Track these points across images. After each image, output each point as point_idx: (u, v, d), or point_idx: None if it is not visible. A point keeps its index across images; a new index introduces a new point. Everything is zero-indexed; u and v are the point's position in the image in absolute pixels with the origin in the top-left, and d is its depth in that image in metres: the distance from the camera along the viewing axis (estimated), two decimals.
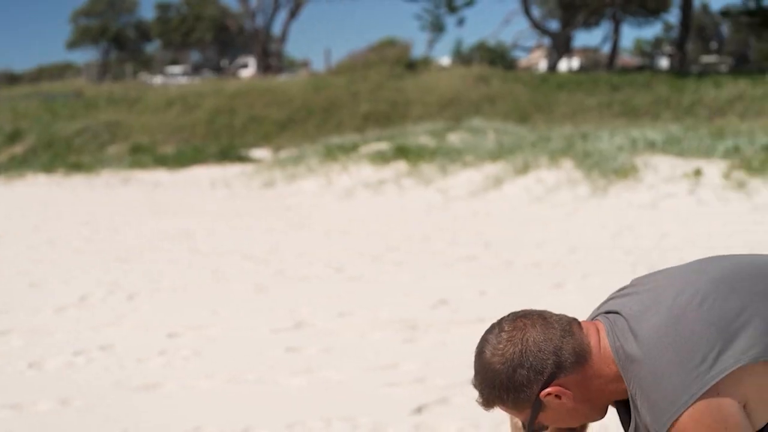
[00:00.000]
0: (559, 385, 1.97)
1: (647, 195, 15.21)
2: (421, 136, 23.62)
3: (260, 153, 29.17)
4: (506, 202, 16.26)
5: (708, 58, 45.50)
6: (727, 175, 15.39)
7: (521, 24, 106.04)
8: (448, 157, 19.72)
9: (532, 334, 1.98)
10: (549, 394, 1.98)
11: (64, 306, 8.34)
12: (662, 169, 16.04)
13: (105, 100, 37.75)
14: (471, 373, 2.11)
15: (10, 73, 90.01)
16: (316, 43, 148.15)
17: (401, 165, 20.29)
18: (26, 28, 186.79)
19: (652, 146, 17.90)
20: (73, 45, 77.39)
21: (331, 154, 22.44)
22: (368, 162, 21.13)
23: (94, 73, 48.26)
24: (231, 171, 25.91)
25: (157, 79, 49.06)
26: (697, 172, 15.52)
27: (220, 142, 30.46)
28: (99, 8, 75.80)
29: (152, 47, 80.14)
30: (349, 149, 22.83)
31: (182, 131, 32.42)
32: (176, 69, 55.69)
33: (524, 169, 17.83)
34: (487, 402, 2.07)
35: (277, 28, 59.39)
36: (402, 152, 20.98)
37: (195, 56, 75.54)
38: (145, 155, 29.81)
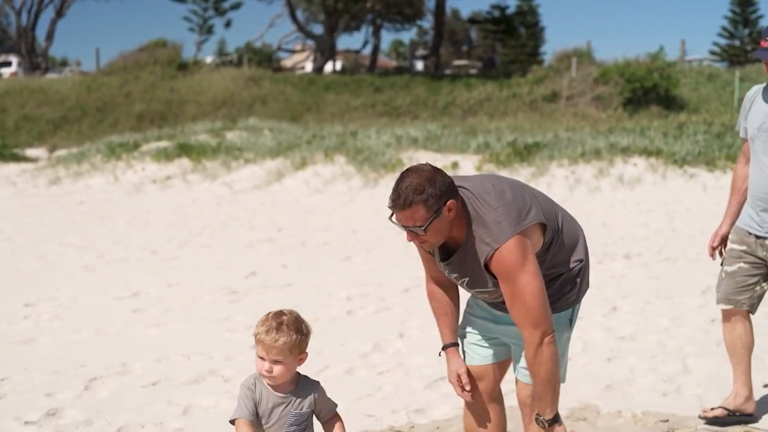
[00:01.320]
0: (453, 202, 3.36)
1: None
2: (200, 134, 24.89)
3: (35, 152, 29.29)
4: (289, 194, 17.97)
5: (460, 62, 49.02)
6: (479, 168, 17.83)
7: (286, 27, 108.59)
8: (230, 154, 21.20)
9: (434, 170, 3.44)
10: (448, 206, 3.32)
11: None
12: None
13: None
14: None
15: None
16: (85, 43, 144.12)
17: (185, 162, 21.56)
18: None
19: (414, 143, 20.18)
20: None
21: (113, 152, 23.31)
22: (152, 159, 22.22)
23: None
24: (9, 169, 26.10)
25: None
26: (455, 165, 17.86)
27: None
28: None
29: None
30: (131, 147, 23.77)
31: None
32: None
33: (302, 165, 19.62)
34: (406, 204, 3.29)
35: (42, 27, 58.36)
36: (184, 150, 22.23)
37: None
38: None
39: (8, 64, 49.77)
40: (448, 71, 42.49)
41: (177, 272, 10.15)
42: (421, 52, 55.59)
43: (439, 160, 18.32)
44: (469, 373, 3.88)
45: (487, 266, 3.47)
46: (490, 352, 3.92)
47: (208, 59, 42.66)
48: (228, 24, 46.70)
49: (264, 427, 3.37)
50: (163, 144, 23.62)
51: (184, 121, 29.66)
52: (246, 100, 32.21)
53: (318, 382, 3.50)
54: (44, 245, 12.28)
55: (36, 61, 43.56)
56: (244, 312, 8.03)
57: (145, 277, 9.86)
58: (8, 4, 43.90)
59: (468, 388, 3.86)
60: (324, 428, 3.51)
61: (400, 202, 3.33)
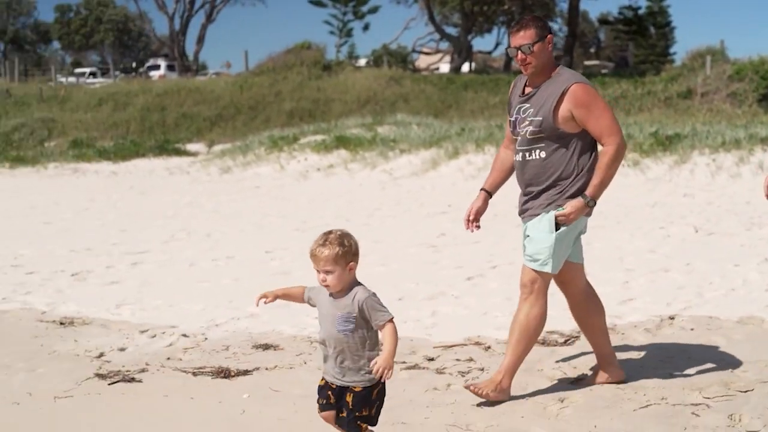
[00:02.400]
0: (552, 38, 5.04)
1: None
2: (352, 129, 26.78)
3: (194, 147, 31.72)
4: (445, 179, 19.61)
5: (590, 62, 50.02)
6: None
7: (420, 30, 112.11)
8: (386, 145, 22.99)
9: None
10: (549, 39, 4.96)
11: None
12: None
13: (35, 98, 39.59)
14: None
15: None
16: (232, 46, 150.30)
17: (343, 152, 23.46)
18: None
19: None
20: None
21: (276, 144, 25.43)
22: (312, 151, 24.22)
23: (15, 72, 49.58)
24: (172, 162, 28.57)
25: (71, 80, 50.65)
26: None
27: (154, 137, 32.83)
28: None
29: (50, 49, 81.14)
30: (291, 140, 25.84)
31: (117, 127, 34.65)
32: (85, 70, 57.24)
33: (455, 154, 21.25)
34: (522, 26, 4.92)
35: (193, 32, 61.51)
36: (341, 141, 24.15)
37: (94, 58, 76.75)
38: (86, 149, 31.97)
39: (157, 67, 53.04)
40: (579, 71, 43.47)
41: (378, 232, 11.90)
42: None
43: None
44: (477, 212, 5.40)
45: (563, 94, 4.88)
46: None
47: (362, 61, 44.80)
48: (366, 27, 48.92)
49: (320, 324, 4.02)
50: (319, 137, 25.57)
51: (331, 118, 31.56)
52: (389, 98, 34.02)
53: (371, 292, 3.94)
54: (249, 217, 14.22)
55: (187, 63, 46.41)
56: (447, 259, 9.70)
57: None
58: (162, 10, 46.95)
59: (471, 219, 5.42)
60: (380, 336, 3.96)
61: (519, 24, 5.00)
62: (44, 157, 31.85)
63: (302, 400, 5.03)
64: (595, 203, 5.00)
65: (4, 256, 10.24)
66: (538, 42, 4.93)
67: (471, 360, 5.95)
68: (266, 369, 5.77)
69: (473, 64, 46.65)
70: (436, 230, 11.96)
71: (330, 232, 3.93)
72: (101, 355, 6.14)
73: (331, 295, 3.93)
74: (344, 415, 3.96)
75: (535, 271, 5.06)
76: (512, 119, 5.19)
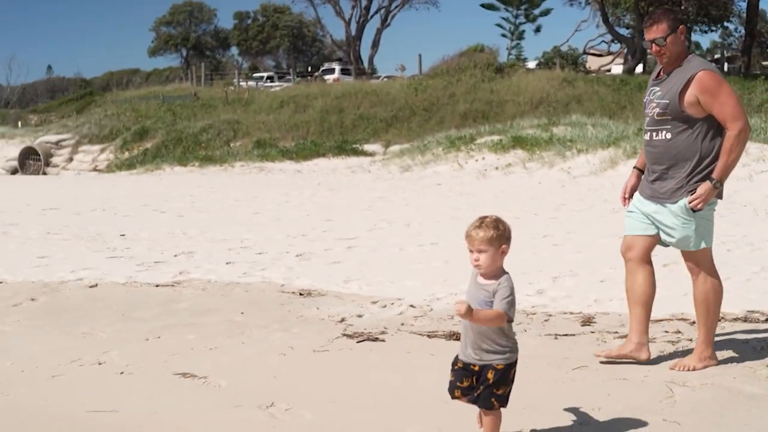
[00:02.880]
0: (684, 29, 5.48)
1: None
2: (526, 129, 27.29)
3: (371, 147, 32.91)
4: (625, 178, 19.85)
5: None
6: None
7: (590, 32, 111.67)
8: (563, 144, 23.42)
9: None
10: (681, 30, 5.39)
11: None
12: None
13: (220, 101, 41.83)
14: None
15: (82, 79, 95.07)
16: (405, 50, 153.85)
17: (519, 152, 24.03)
18: (99, 38, 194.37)
19: None
20: (155, 52, 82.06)
21: (453, 144, 26.24)
22: (489, 150, 24.90)
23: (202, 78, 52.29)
24: (351, 161, 29.80)
25: (250, 84, 52.91)
26: None
27: (333, 137, 34.21)
28: (180, 18, 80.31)
29: (227, 54, 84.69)
30: (468, 140, 26.60)
31: (297, 128, 36.26)
32: (263, 74, 59.70)
33: (633, 153, 21.47)
34: (655, 21, 5.39)
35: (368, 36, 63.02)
36: (518, 141, 24.73)
37: (269, 63, 79.64)
38: (270, 149, 33.66)
39: (332, 71, 54.83)
40: (756, 71, 42.55)
41: (568, 225, 12.48)
42: (722, 54, 55.33)
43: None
44: (631, 189, 5.85)
45: (690, 80, 5.33)
46: (643, 227, 5.70)
47: (531, 64, 45.24)
48: (538, 29, 49.22)
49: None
50: (496, 137, 26.22)
51: (503, 119, 32.08)
52: (562, 100, 34.28)
53: (510, 284, 4.03)
54: (439, 209, 15.05)
55: (361, 67, 47.86)
56: None
57: (546, 227, 12.28)
58: (339, 16, 48.57)
59: (626, 196, 5.87)
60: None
61: (652, 18, 5.50)
62: (231, 156, 33.73)
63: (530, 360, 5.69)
64: (722, 185, 5.38)
65: (232, 239, 11.43)
66: (670, 34, 5.44)
67: (679, 332, 6.49)
68: None
69: (646, 66, 46.22)
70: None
71: (486, 217, 4.10)
72: (343, 320, 6.98)
73: (479, 277, 4.09)
74: (480, 391, 4.06)
75: (695, 252, 5.53)
76: (645, 100, 5.71)
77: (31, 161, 39.59)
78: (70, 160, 39.69)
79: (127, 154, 37.81)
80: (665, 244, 5.72)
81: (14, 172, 39.46)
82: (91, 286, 8.25)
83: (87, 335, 6.48)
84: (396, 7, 46.90)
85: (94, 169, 37.75)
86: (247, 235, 11.89)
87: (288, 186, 22.06)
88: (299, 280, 8.59)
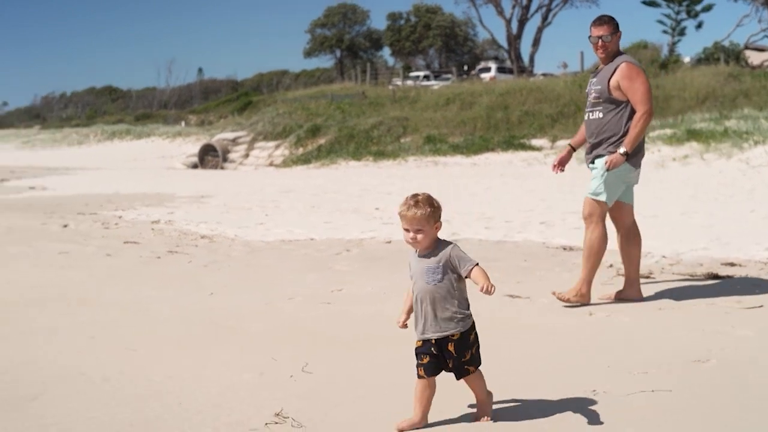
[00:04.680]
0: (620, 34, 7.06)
1: None
2: (698, 123, 28.00)
3: (538, 142, 34.08)
4: None
5: None
6: None
7: (752, 27, 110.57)
8: (739, 136, 24.15)
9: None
10: (619, 34, 7.00)
11: None
12: None
13: (387, 99, 43.76)
14: None
15: (234, 81, 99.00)
16: (565, 47, 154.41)
17: (695, 144, 24.87)
18: (249, 41, 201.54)
19: None
20: (310, 53, 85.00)
21: None
22: (663, 143, 25.79)
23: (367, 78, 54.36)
24: (523, 155, 31.07)
25: (408, 83, 54.72)
26: None
27: (500, 133, 35.53)
28: (334, 20, 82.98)
29: (377, 55, 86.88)
30: None
31: (464, 125, 37.75)
32: (419, 74, 61.50)
33: None
34: (602, 21, 6.98)
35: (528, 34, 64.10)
36: (692, 134, 25.56)
37: (420, 62, 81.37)
38: (440, 144, 35.24)
39: (488, 69, 56.17)
40: None
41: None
42: None
43: None
44: (561, 161, 7.34)
45: (615, 71, 6.77)
46: None
47: (686, 59, 45.51)
48: (699, 25, 49.26)
49: (412, 282, 4.25)
50: (668, 131, 27.07)
51: (670, 114, 32.72)
52: (729, 95, 34.67)
53: (452, 243, 4.20)
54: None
55: (521, 65, 48.99)
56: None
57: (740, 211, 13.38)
58: (500, 15, 49.83)
59: (556, 164, 7.33)
60: (473, 281, 4.12)
61: (600, 20, 7.00)
62: (402, 151, 35.47)
63: None
64: (628, 154, 6.73)
65: (476, 212, 13.10)
66: (613, 35, 6.93)
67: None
68: None
69: None
70: None
71: (417, 195, 4.17)
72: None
73: (419, 255, 4.22)
74: (450, 364, 4.18)
75: (594, 201, 6.94)
76: (587, 90, 7.27)
77: (209, 157, 42.28)
78: (246, 156, 42.10)
79: (301, 150, 39.94)
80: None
81: (194, 167, 42.21)
82: (386, 242, 9.98)
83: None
84: (557, 5, 48.00)
85: (270, 164, 39.97)
86: (486, 210, 13.61)
87: (466, 176, 23.55)
88: (556, 240, 10.11)
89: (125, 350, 5.77)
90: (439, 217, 4.16)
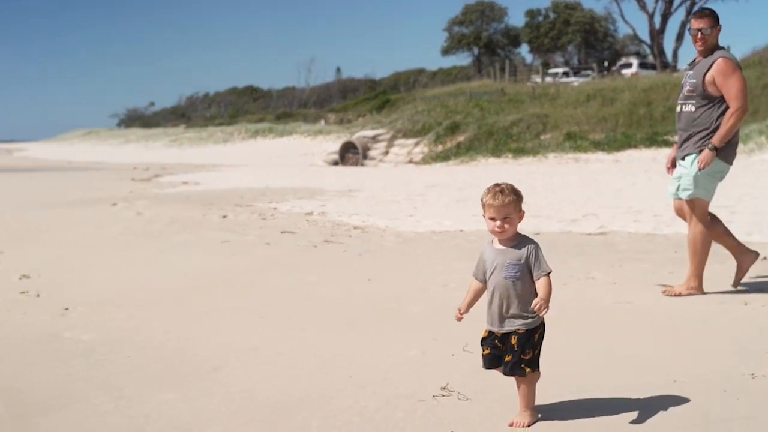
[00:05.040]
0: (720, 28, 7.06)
1: None
2: None
3: None
4: None
5: None
6: None
7: None
8: None
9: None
10: (719, 27, 6.99)
11: None
12: None
13: (526, 96, 43.63)
14: None
15: (371, 80, 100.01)
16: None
17: None
18: (386, 40, 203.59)
19: None
20: (447, 51, 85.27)
21: None
22: None
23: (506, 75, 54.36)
24: (664, 152, 30.48)
25: (547, 79, 54.33)
26: None
27: (642, 129, 34.94)
28: (472, 17, 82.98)
29: (514, 52, 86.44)
30: None
31: (605, 121, 37.28)
32: (558, 70, 60.97)
33: None
34: (703, 15, 7.02)
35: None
36: None
37: (558, 59, 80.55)
38: (580, 141, 34.94)
39: (629, 65, 55.20)
40: None
41: None
42: None
43: None
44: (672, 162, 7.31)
45: (711, 66, 6.78)
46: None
47: None
48: None
49: (487, 276, 4.21)
50: None
51: None
52: None
53: (535, 242, 4.17)
54: None
55: (664, 60, 48.01)
56: None
57: None
58: (643, 10, 48.96)
59: (669, 166, 7.29)
60: (536, 285, 4.11)
61: (701, 12, 7.08)
62: (542, 148, 35.33)
63: None
64: (717, 149, 6.75)
65: (620, 206, 13.12)
66: (713, 28, 6.93)
67: None
68: None
69: None
70: None
71: (499, 184, 4.17)
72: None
73: (497, 243, 4.20)
74: (509, 359, 4.15)
75: (689, 201, 6.98)
76: (682, 82, 7.19)
77: (350, 154, 42.97)
78: (386, 153, 42.61)
79: (440, 147, 40.19)
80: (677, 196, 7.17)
81: (334, 164, 43.00)
82: (535, 234, 10.16)
83: (563, 263, 8.34)
84: None
85: (410, 161, 40.36)
86: (636, 203, 13.68)
87: (609, 173, 23.32)
88: None
89: (294, 330, 6.14)
90: (522, 207, 4.17)
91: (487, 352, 4.24)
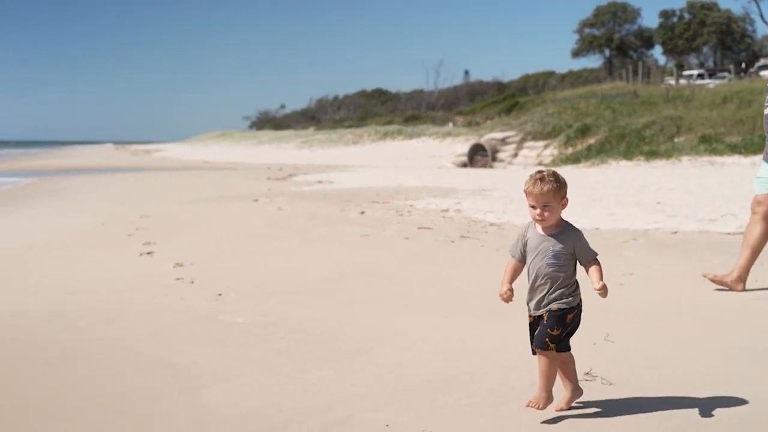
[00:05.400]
0: None
1: None
2: None
3: None
4: None
5: None
6: None
7: None
8: None
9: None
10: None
11: None
12: None
13: (660, 98, 42.87)
14: None
15: (499, 82, 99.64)
16: None
17: None
18: (515, 43, 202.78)
19: None
20: (578, 53, 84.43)
21: None
22: None
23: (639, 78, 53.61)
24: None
25: (681, 81, 53.31)
26: None
27: None
28: (603, 19, 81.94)
29: (647, 54, 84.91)
30: None
31: (742, 124, 36.31)
32: (693, 72, 59.71)
33: None
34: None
35: None
36: None
37: (692, 61, 78.78)
38: (716, 144, 34.15)
39: (767, 67, 53.63)
40: None
41: None
42: None
43: None
44: None
45: None
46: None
47: None
48: None
49: (528, 259, 4.21)
50: None
51: None
52: None
53: (579, 230, 4.22)
54: None
55: None
56: None
57: None
58: None
59: None
60: (586, 271, 4.18)
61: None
62: (676, 151, 34.68)
63: None
64: None
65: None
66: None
67: None
68: None
69: None
70: None
71: (541, 171, 4.20)
72: None
73: (539, 228, 4.19)
74: (537, 332, 4.19)
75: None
76: (766, 86, 7.09)
77: (478, 156, 43.03)
78: (515, 155, 42.49)
79: (570, 150, 39.87)
80: None
81: (463, 165, 43.13)
82: (672, 233, 10.19)
83: (701, 261, 8.35)
84: None
85: (539, 164, 40.11)
86: None
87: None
88: None
89: (437, 317, 6.39)
90: (566, 194, 4.14)
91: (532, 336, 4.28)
